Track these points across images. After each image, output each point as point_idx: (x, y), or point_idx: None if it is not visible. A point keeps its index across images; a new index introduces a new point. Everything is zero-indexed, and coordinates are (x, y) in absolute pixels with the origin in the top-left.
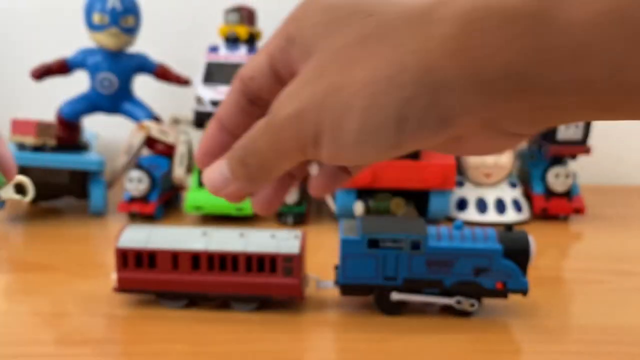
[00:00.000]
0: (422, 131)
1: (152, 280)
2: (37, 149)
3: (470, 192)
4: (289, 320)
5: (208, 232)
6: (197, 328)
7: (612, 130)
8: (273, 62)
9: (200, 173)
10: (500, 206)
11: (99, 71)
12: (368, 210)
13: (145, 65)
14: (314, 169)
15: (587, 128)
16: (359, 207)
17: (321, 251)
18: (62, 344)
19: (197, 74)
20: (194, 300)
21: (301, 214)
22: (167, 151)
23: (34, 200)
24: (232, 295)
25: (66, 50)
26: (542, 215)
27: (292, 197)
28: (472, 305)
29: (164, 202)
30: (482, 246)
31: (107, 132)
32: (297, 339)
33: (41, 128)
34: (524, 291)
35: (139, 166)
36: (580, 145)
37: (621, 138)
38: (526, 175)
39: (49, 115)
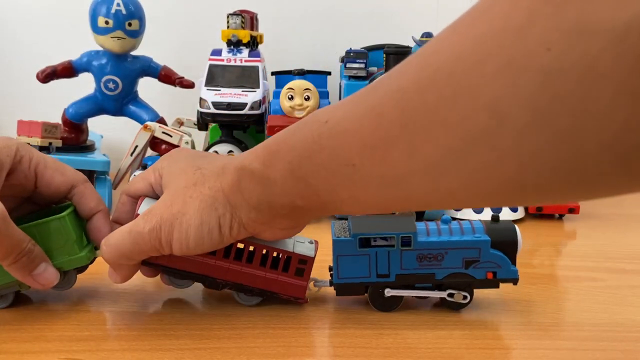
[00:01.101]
0: (232, 232)
1: (164, 255)
2: (43, 149)
3: None
4: (290, 316)
5: None
6: (199, 324)
7: None
8: (153, 187)
9: None
10: None
11: (104, 74)
12: None
13: (149, 68)
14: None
15: None
16: None
17: (319, 250)
18: (65, 340)
19: (200, 77)
20: (200, 282)
21: None
22: None
23: None
24: (239, 285)
25: (72, 53)
26: (536, 214)
27: None
28: (465, 297)
29: None
30: (470, 238)
31: (111, 133)
32: (297, 334)
33: (47, 129)
34: (514, 280)
35: (144, 166)
36: None
37: None
38: None
39: (54, 116)
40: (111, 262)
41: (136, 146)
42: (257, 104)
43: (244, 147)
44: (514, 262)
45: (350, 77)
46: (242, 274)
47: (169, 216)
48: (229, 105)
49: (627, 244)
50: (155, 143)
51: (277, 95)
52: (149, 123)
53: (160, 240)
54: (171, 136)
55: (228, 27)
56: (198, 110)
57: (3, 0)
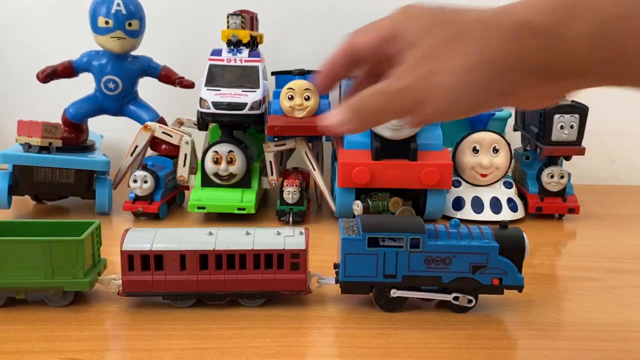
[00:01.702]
0: (494, 99)
1: (160, 282)
2: (43, 149)
3: (466, 192)
4: (290, 316)
5: (214, 231)
6: (199, 324)
7: (605, 131)
8: (376, 45)
9: (202, 173)
10: (496, 205)
11: (104, 74)
12: (367, 210)
13: (149, 68)
14: None
15: (581, 129)
16: (358, 206)
17: (321, 249)
18: (65, 340)
19: (200, 77)
20: (202, 299)
21: (301, 213)
22: (171, 152)
23: (40, 200)
24: (240, 293)
25: (72, 53)
26: (536, 215)
27: (292, 196)
28: (470, 301)
29: (167, 201)
30: (479, 244)
31: (111, 133)
32: (298, 334)
33: (47, 129)
34: (519, 287)
35: (144, 166)
36: (575, 146)
37: (614, 139)
38: (521, 176)
39: (54, 116)
40: (358, 122)
41: (136, 146)
42: (257, 104)
43: (244, 147)
44: (520, 269)
45: (350, 77)
46: (240, 281)
47: (421, 75)
48: (229, 105)
49: (627, 244)
50: (155, 143)
51: (277, 95)
52: (149, 123)
53: (413, 100)
54: (171, 136)
55: (228, 27)
56: (198, 110)
57: (3, 1)
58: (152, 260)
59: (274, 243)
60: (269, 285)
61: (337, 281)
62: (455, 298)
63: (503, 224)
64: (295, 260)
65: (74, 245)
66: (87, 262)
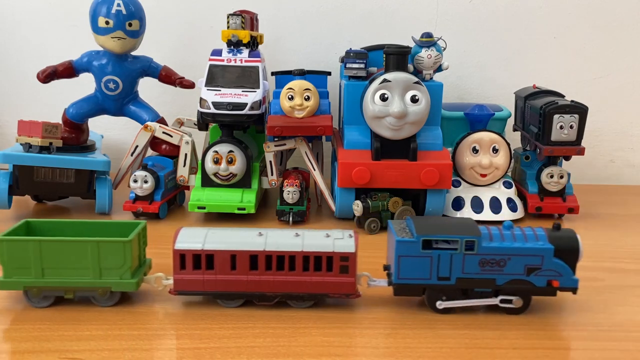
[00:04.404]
0: None
1: (210, 281)
2: (43, 149)
3: (466, 192)
4: (290, 316)
5: (263, 232)
6: (199, 324)
7: (604, 131)
8: None
9: (202, 173)
10: (495, 205)
11: (105, 74)
12: (367, 210)
13: (149, 68)
14: None
15: (580, 129)
16: (358, 206)
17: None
18: (66, 340)
19: (200, 77)
20: (251, 299)
21: (301, 213)
22: (171, 152)
23: (40, 200)
24: (289, 294)
25: (72, 53)
26: (536, 215)
27: (292, 196)
28: (523, 303)
29: (167, 201)
30: (534, 246)
31: (111, 133)
32: (297, 334)
33: (47, 129)
34: (574, 289)
35: (144, 166)
36: (574, 146)
37: (614, 139)
38: (521, 176)
39: (55, 116)
40: None
41: (136, 146)
42: (257, 104)
43: (244, 147)
44: (574, 271)
45: (350, 77)
46: (289, 282)
47: None
48: (229, 106)
49: (627, 244)
50: (155, 143)
51: (277, 95)
52: (149, 123)
53: None
54: (171, 136)
55: (228, 27)
56: (198, 111)
57: (4, 1)
58: (203, 260)
59: (323, 245)
60: (317, 287)
61: (389, 283)
62: (503, 301)
63: (556, 226)
64: (345, 263)
65: (121, 246)
66: (134, 263)
